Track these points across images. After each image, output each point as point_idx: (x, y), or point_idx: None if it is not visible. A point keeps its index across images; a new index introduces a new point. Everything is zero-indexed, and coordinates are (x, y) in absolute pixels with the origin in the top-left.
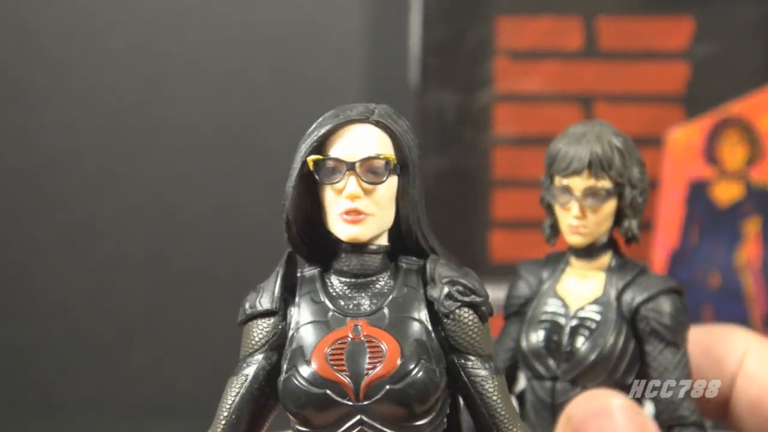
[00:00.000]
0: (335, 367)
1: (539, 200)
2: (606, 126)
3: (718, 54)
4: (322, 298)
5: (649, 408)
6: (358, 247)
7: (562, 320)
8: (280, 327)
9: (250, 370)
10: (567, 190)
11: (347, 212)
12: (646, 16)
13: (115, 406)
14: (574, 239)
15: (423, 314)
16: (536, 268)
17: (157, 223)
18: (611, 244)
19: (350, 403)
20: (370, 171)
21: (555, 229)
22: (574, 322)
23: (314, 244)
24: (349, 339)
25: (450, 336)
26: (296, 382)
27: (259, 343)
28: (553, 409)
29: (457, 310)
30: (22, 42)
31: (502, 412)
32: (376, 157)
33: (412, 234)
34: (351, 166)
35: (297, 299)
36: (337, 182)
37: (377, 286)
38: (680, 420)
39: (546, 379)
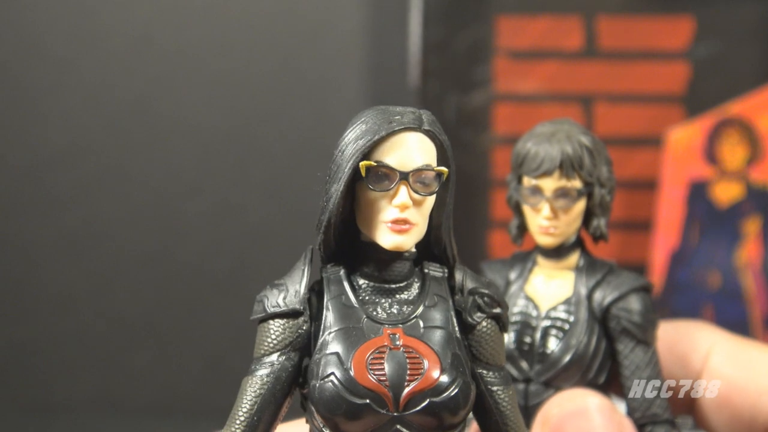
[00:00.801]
0: (376, 377)
1: (506, 200)
2: (574, 124)
3: (718, 54)
4: (353, 302)
5: (620, 406)
6: (392, 254)
7: (533, 321)
8: (304, 328)
9: (271, 371)
10: (537, 190)
11: (395, 221)
12: (646, 16)
13: (116, 406)
14: (545, 240)
15: (454, 325)
16: (502, 268)
17: (158, 224)
18: (579, 243)
19: (388, 413)
20: (421, 182)
21: (522, 229)
22: (545, 323)
23: (344, 245)
24: (388, 348)
25: (473, 346)
26: (335, 389)
27: (281, 343)
28: (527, 411)
29: (483, 322)
30: (24, 42)
31: (516, 421)
32: (429, 169)
33: (441, 242)
34: (404, 176)
35: (326, 301)
36: (387, 190)
37: (405, 292)
38: (653, 418)
39: (519, 382)
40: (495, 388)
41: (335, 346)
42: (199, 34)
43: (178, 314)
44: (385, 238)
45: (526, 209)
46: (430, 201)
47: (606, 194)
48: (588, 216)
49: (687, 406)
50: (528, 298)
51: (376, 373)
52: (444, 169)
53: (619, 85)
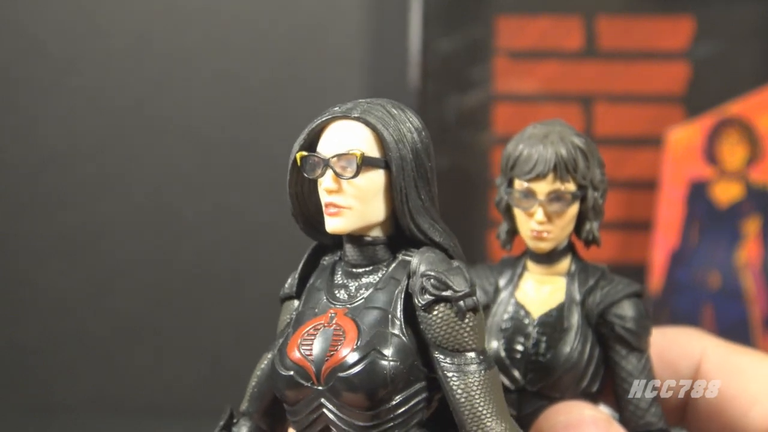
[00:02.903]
0: (304, 353)
1: (495, 204)
2: (565, 125)
3: (718, 54)
4: (323, 286)
5: (614, 415)
6: (354, 239)
7: (524, 328)
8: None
9: (275, 349)
10: (530, 193)
11: (326, 205)
12: (646, 16)
13: (115, 406)
14: (538, 245)
15: (397, 306)
16: (490, 274)
17: (157, 224)
18: (570, 248)
19: (313, 387)
20: (343, 166)
21: (511, 234)
22: (537, 330)
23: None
24: (322, 326)
25: (426, 330)
26: (275, 364)
27: (284, 324)
28: (519, 421)
29: (433, 304)
30: (24, 42)
31: (476, 410)
32: (346, 154)
33: (406, 226)
34: (326, 162)
35: (307, 286)
36: (317, 177)
37: (371, 276)
38: (647, 426)
39: (511, 391)
40: (450, 374)
41: (291, 326)
42: (199, 35)
43: (178, 314)
44: (326, 222)
45: (518, 213)
46: (364, 183)
47: (599, 197)
48: (580, 220)
49: (678, 416)
50: (519, 305)
51: (304, 348)
52: (357, 151)
53: (619, 85)
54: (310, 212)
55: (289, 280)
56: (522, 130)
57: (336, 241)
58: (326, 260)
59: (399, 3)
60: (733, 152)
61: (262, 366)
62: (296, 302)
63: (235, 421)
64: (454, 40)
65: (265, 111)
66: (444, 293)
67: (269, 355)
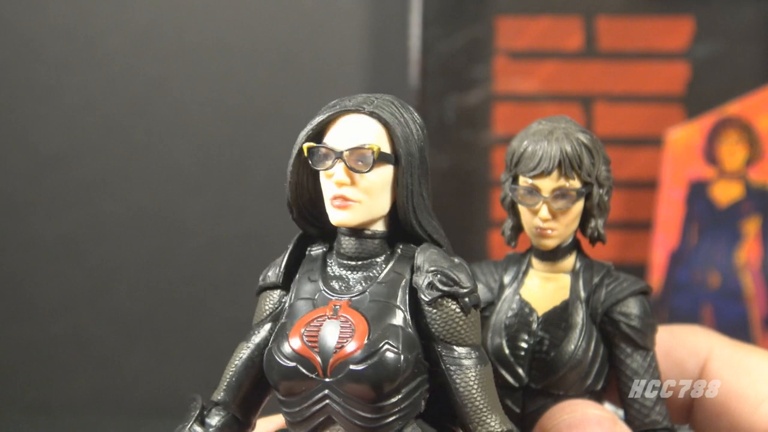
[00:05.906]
0: (309, 344)
1: (500, 201)
2: (571, 122)
3: (718, 54)
4: (317, 277)
5: (617, 414)
6: (354, 231)
7: (529, 325)
8: (283, 300)
9: (255, 339)
10: (534, 190)
11: (334, 198)
12: (646, 16)
13: (115, 406)
14: (543, 242)
15: (403, 300)
16: (495, 270)
17: (157, 225)
18: (575, 245)
19: (318, 378)
20: (357, 160)
21: (516, 230)
22: (542, 327)
23: (326, 225)
24: (326, 318)
25: (430, 324)
26: (274, 354)
27: (265, 314)
28: (523, 419)
29: (439, 299)
30: (23, 43)
31: (477, 403)
32: (362, 147)
33: (408, 222)
34: (339, 155)
35: (297, 276)
36: (327, 169)
37: (371, 269)
38: (653, 425)
39: (515, 389)
40: (454, 368)
41: (288, 316)
42: (200, 36)
43: (178, 314)
44: (331, 214)
45: (523, 210)
46: (374, 178)
47: (604, 195)
48: (585, 217)
49: (684, 414)
50: (523, 302)
51: (308, 339)
52: (375, 145)
53: (619, 85)
54: (304, 202)
55: (273, 269)
56: (527, 126)
57: (324, 232)
58: (313, 250)
59: (399, 3)
60: (733, 152)
61: (240, 355)
62: (279, 292)
63: (206, 411)
64: (454, 40)
65: (265, 111)
66: (451, 289)
67: (247, 345)
